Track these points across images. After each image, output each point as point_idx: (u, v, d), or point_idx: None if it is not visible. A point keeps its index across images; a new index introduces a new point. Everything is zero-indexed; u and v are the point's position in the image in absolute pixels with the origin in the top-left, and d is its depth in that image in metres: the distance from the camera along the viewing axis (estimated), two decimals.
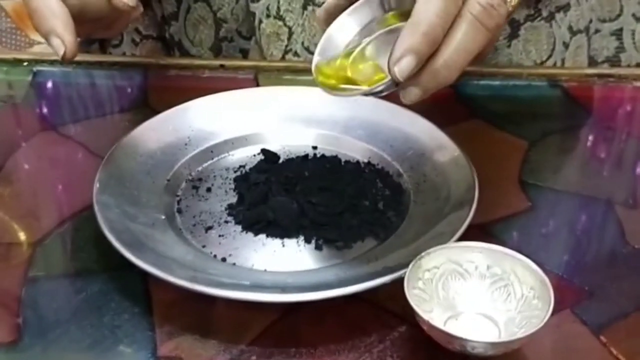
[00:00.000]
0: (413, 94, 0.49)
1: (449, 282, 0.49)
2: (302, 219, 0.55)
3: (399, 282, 0.47)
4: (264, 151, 0.62)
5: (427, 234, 0.53)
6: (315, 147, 0.63)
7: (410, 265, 0.48)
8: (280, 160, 0.61)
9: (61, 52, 0.58)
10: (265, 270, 0.52)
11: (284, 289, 0.49)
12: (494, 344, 0.45)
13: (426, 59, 0.48)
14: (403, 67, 0.47)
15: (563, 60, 0.76)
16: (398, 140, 0.62)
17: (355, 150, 0.62)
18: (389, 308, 0.50)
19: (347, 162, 0.61)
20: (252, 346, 0.48)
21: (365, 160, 0.61)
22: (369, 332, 0.49)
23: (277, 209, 0.55)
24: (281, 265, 0.53)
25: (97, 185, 0.55)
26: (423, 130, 0.61)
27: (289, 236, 0.54)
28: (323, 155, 0.62)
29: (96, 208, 0.53)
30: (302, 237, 0.54)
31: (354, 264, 0.52)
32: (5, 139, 0.66)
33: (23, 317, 0.50)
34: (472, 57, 0.49)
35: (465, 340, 0.45)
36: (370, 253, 0.53)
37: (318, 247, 0.54)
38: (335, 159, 0.61)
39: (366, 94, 0.51)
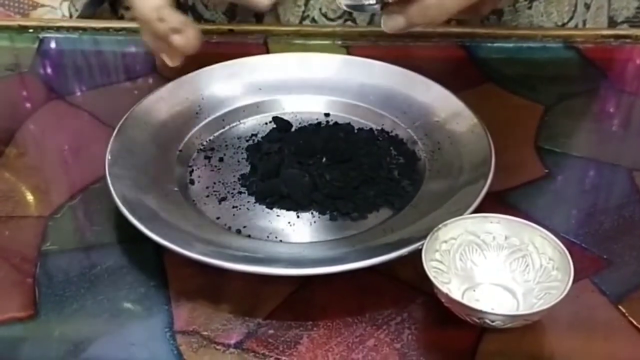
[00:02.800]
0: (396, 22, 0.48)
1: (467, 253, 0.49)
2: (315, 193, 0.54)
3: (416, 254, 0.47)
4: (275, 119, 0.61)
5: (442, 206, 0.52)
6: (327, 114, 0.62)
7: (428, 237, 0.48)
8: (293, 129, 0.60)
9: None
10: (280, 242, 0.52)
11: (300, 262, 0.49)
12: (513, 316, 0.45)
13: None
14: None
15: (584, 22, 0.74)
16: (412, 107, 0.61)
17: (368, 117, 0.61)
18: (406, 280, 0.50)
19: (360, 129, 0.60)
20: (268, 319, 0.48)
21: (379, 128, 0.61)
22: (387, 304, 0.48)
23: (289, 182, 0.54)
24: (296, 237, 0.52)
25: (108, 157, 0.55)
26: (437, 97, 0.60)
27: (303, 209, 0.54)
28: (336, 123, 0.61)
29: (109, 181, 0.53)
30: (316, 210, 0.54)
31: (370, 235, 0.51)
32: (13, 110, 0.66)
33: (39, 292, 0.50)
34: (467, 3, 0.48)
35: (485, 312, 0.44)
36: (385, 224, 0.52)
37: (333, 218, 0.53)
38: (348, 127, 0.60)
39: (351, 5, 0.51)
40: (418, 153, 0.58)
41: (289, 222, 0.53)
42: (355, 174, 0.55)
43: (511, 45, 0.70)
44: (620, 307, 0.48)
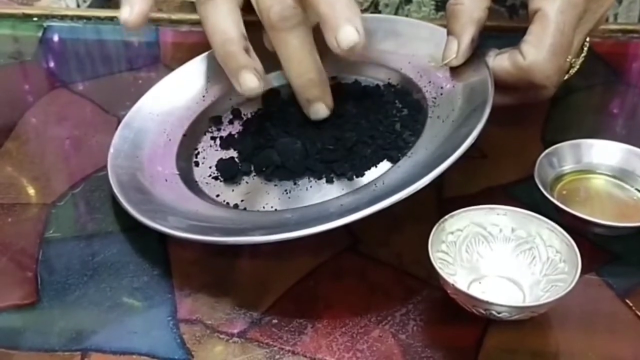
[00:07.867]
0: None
1: (473, 245, 0.49)
2: (308, 158, 0.53)
3: (422, 245, 0.47)
4: (270, 91, 0.60)
5: (435, 151, 0.51)
6: (334, 78, 0.60)
7: (434, 228, 0.47)
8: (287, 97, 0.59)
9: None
10: (275, 211, 0.51)
11: (284, 226, 0.48)
12: (520, 308, 0.44)
13: None
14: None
15: (616, 16, 0.73)
16: (416, 56, 0.59)
17: (373, 72, 0.60)
18: (411, 271, 0.49)
19: (365, 87, 0.59)
20: (272, 309, 0.47)
21: (385, 82, 0.59)
22: (392, 295, 0.48)
23: (282, 151, 0.54)
24: (290, 203, 0.52)
25: (111, 151, 0.55)
26: (440, 41, 0.58)
27: (299, 176, 0.53)
28: (339, 83, 0.60)
29: (110, 175, 0.53)
30: (312, 175, 0.53)
31: (359, 192, 0.51)
32: (16, 97, 0.65)
33: (41, 279, 0.49)
34: None
35: (491, 303, 0.44)
36: (378, 178, 0.51)
37: (329, 181, 0.53)
38: (356, 84, 0.59)
39: None
40: (422, 102, 0.57)
41: (285, 191, 0.53)
42: (350, 135, 0.54)
43: (519, 39, 0.69)
44: (627, 300, 0.48)
